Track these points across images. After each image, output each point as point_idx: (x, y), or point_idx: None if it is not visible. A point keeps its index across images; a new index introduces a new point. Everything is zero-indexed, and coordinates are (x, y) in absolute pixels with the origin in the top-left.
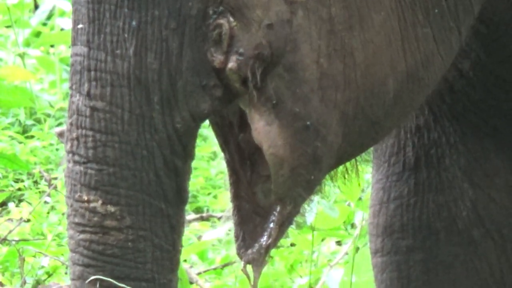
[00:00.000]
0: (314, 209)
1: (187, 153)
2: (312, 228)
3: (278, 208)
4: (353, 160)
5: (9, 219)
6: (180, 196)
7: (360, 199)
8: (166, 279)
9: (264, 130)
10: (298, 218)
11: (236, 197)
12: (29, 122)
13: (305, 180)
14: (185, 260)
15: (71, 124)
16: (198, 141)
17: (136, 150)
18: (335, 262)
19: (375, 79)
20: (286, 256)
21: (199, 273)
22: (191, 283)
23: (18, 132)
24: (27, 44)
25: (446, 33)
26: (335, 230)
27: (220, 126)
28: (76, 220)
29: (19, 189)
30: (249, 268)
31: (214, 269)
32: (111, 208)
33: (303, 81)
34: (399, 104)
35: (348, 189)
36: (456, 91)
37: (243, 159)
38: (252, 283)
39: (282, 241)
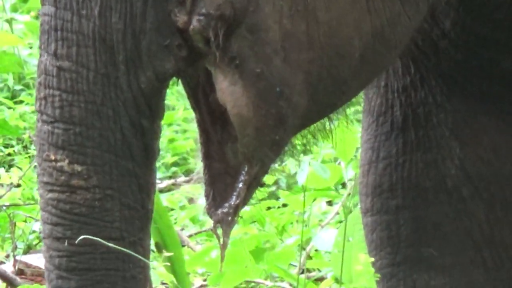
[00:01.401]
0: (306, 169)
1: (154, 113)
2: (304, 189)
3: (246, 168)
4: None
5: None
6: (147, 155)
7: (351, 159)
8: (136, 238)
9: (228, 90)
10: (289, 179)
11: (207, 157)
12: (18, 87)
13: (270, 140)
14: (175, 223)
15: (39, 83)
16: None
17: (102, 110)
18: (326, 222)
19: (340, 39)
20: (277, 217)
21: (190, 236)
22: (183, 245)
23: (7, 98)
24: (15, 9)
25: None
26: (326, 190)
27: (190, 86)
28: (45, 179)
29: (9, 154)
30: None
31: (205, 231)
32: (78, 167)
33: (265, 41)
34: (366, 64)
35: (342, 149)
36: (441, 51)
37: (213, 118)
38: (221, 242)
39: (273, 203)
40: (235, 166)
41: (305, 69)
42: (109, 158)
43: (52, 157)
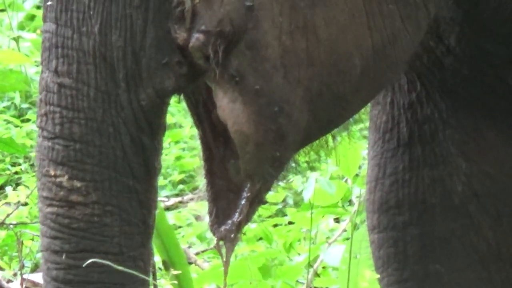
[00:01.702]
0: (312, 186)
1: (154, 130)
2: (311, 206)
3: (248, 185)
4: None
5: (6, 203)
6: (148, 172)
7: (357, 175)
8: (136, 253)
9: (228, 107)
10: (296, 197)
11: (210, 174)
12: (25, 105)
13: (271, 157)
14: (182, 240)
15: (40, 100)
16: None
17: (102, 127)
18: (334, 239)
19: (340, 56)
20: (284, 235)
21: (197, 253)
22: (190, 263)
23: (14, 116)
24: (22, 27)
25: (412, 9)
26: (333, 207)
27: (193, 103)
28: (44, 194)
29: (16, 173)
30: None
31: (212, 249)
32: (77, 184)
33: (265, 58)
34: (367, 80)
35: (345, 165)
36: (446, 67)
37: (216, 135)
38: (224, 259)
39: (280, 220)
40: (238, 183)
41: (305, 85)
42: (109, 175)
43: (52, 173)
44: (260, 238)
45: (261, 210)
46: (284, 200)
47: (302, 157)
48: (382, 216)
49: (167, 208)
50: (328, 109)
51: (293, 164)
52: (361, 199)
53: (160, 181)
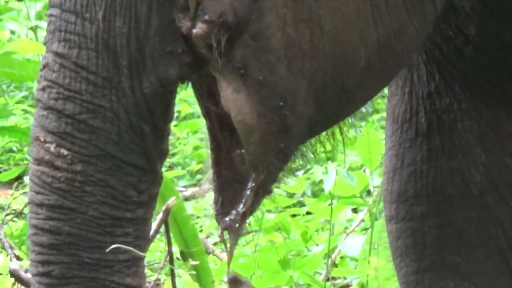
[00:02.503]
0: (332, 177)
1: (156, 119)
2: (331, 196)
3: (253, 176)
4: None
5: (24, 192)
6: (147, 160)
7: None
8: (120, 223)
9: (232, 97)
10: (314, 187)
11: (216, 164)
12: None
13: (275, 148)
14: (201, 231)
15: (41, 76)
16: None
17: (98, 110)
18: (352, 229)
19: (344, 49)
20: (302, 225)
21: (215, 243)
22: (208, 253)
23: (31, 106)
24: (39, 17)
25: (418, 3)
26: (352, 197)
27: (200, 93)
28: (33, 155)
29: None
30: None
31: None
32: (64, 151)
33: (268, 49)
34: (372, 74)
35: (367, 156)
36: (465, 57)
37: (223, 125)
38: (228, 249)
39: (298, 210)
40: (244, 173)
41: (309, 77)
42: (98, 153)
43: (42, 139)
44: (278, 229)
45: (280, 201)
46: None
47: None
48: (400, 206)
49: (185, 198)
50: (333, 101)
51: (311, 155)
52: (379, 189)
53: (178, 171)
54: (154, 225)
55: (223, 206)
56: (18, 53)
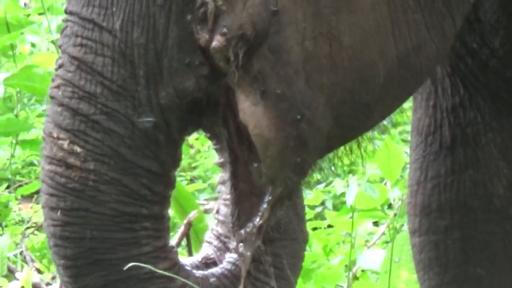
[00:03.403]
0: (354, 190)
1: (172, 129)
2: (353, 209)
3: (270, 189)
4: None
5: None
6: (160, 166)
7: (398, 179)
8: (135, 219)
9: (249, 110)
10: (335, 200)
11: (234, 177)
12: None
13: (292, 162)
14: None
15: (56, 75)
16: None
17: (112, 114)
18: (373, 242)
19: (364, 64)
20: (323, 238)
21: None
22: None
23: None
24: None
25: (438, 19)
26: (373, 210)
27: (220, 105)
28: (45, 152)
29: None
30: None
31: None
32: (77, 149)
33: (287, 62)
34: (390, 89)
35: (387, 169)
36: (489, 70)
37: (241, 138)
38: (244, 263)
39: (319, 223)
40: (261, 187)
41: (327, 92)
42: (111, 153)
43: (55, 135)
44: None
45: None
46: (323, 204)
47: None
48: (424, 219)
49: (206, 212)
50: (351, 116)
51: (332, 168)
52: (400, 202)
53: (199, 184)
54: (175, 238)
55: (239, 219)
56: (39, 66)
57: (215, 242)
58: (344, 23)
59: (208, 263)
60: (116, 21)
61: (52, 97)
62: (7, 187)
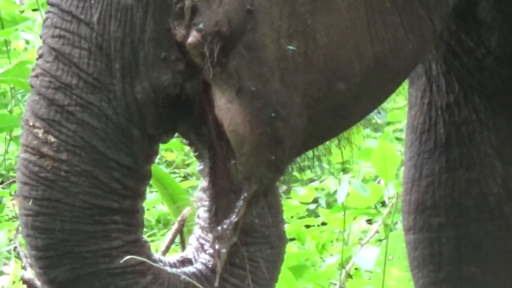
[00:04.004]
0: (345, 188)
1: (147, 124)
2: (344, 207)
3: (246, 186)
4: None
5: None
6: (133, 160)
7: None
8: (104, 212)
9: (225, 107)
10: (328, 198)
11: (212, 173)
12: None
13: (267, 160)
14: None
15: (36, 64)
16: None
17: (88, 106)
18: (366, 240)
19: (339, 63)
20: (317, 235)
21: None
22: None
23: None
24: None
25: (416, 21)
26: (366, 208)
27: (198, 100)
28: (22, 140)
29: None
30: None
31: None
32: (51, 138)
33: (262, 60)
34: (367, 89)
35: (382, 168)
36: (485, 69)
37: (220, 134)
38: (219, 259)
39: (312, 220)
40: (239, 184)
41: (302, 91)
42: (84, 145)
43: (31, 123)
44: (293, 239)
45: (294, 211)
46: (316, 201)
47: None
48: (418, 217)
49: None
50: (327, 116)
51: (326, 165)
52: (393, 200)
53: (193, 181)
54: (169, 235)
55: (217, 215)
56: (33, 62)
57: (194, 244)
58: (320, 22)
59: (184, 262)
60: (94, 13)
61: (31, 85)
62: (1, 183)
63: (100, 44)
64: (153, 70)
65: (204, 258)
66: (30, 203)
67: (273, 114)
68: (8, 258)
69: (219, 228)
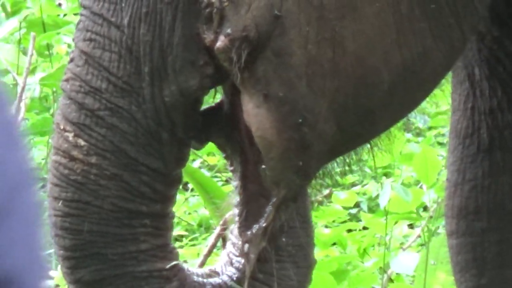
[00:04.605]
0: (388, 192)
1: (176, 127)
2: (386, 212)
3: (275, 191)
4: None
5: None
6: (163, 164)
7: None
8: (133, 216)
9: (253, 112)
10: (370, 202)
11: (244, 177)
12: None
13: (295, 165)
14: None
15: (67, 68)
16: None
17: (117, 110)
18: (408, 245)
19: (367, 70)
20: (358, 240)
21: None
22: None
23: None
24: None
25: (445, 29)
26: (408, 213)
27: (231, 105)
28: (53, 143)
29: None
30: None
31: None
32: (81, 142)
33: (289, 66)
34: (396, 96)
35: (424, 172)
36: None
37: (251, 139)
38: (248, 263)
39: (354, 225)
40: (269, 188)
41: (330, 97)
42: (113, 149)
43: (61, 126)
44: (334, 243)
45: (335, 215)
46: (358, 206)
47: (376, 163)
48: (461, 221)
49: None
50: (355, 122)
51: (368, 170)
52: (436, 205)
53: None
54: (211, 239)
55: (247, 219)
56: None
57: (224, 259)
58: (348, 29)
59: (211, 275)
60: (124, 16)
61: (62, 89)
62: (42, 186)
63: (130, 47)
64: (181, 74)
65: (230, 271)
66: (60, 204)
67: (300, 120)
68: (49, 262)
69: (249, 232)
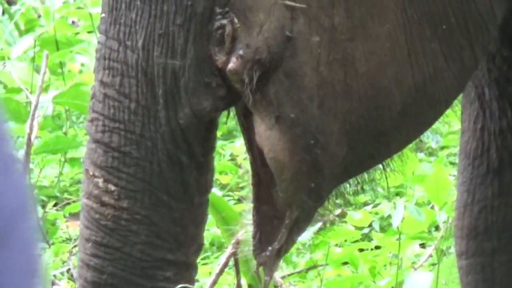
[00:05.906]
0: (401, 212)
1: (193, 149)
2: (399, 232)
3: (288, 213)
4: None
5: None
6: (186, 190)
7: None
8: (160, 264)
9: (265, 133)
10: (382, 221)
11: (257, 199)
12: None
13: (307, 187)
14: None
15: (90, 107)
16: None
17: (140, 141)
18: (420, 264)
19: (379, 91)
20: (370, 259)
21: (283, 277)
22: (276, 286)
23: None
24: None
25: (456, 50)
26: (420, 233)
27: (244, 126)
28: (83, 187)
29: None
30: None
31: (299, 272)
32: (111, 187)
33: (301, 87)
34: (408, 118)
35: (434, 193)
36: None
37: (264, 160)
38: (263, 285)
39: (366, 244)
40: (282, 210)
41: (342, 118)
42: (143, 187)
43: (91, 172)
44: (346, 263)
45: (348, 235)
46: (370, 225)
47: (389, 183)
48: (471, 242)
49: None
50: (368, 144)
51: (380, 189)
52: (447, 225)
53: (247, 204)
54: (223, 258)
55: (261, 241)
56: (88, 84)
57: None
58: (360, 50)
59: None
60: (139, 39)
61: (88, 132)
62: (55, 205)
63: (145, 69)
64: (194, 96)
65: None
66: (89, 245)
67: (312, 141)
68: (59, 279)
69: (263, 254)
